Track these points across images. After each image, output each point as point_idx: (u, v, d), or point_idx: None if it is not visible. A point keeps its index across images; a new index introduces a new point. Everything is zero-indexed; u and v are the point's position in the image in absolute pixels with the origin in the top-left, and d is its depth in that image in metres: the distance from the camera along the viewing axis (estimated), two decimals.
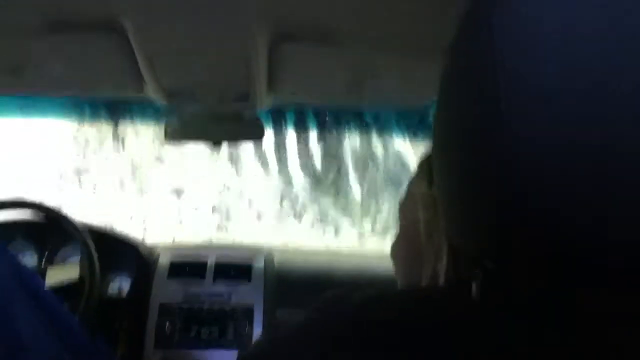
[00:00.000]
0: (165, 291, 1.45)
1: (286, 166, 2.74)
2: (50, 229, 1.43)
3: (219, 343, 1.40)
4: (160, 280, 1.47)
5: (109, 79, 1.07)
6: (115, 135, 2.67)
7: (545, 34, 0.26)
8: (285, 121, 2.61)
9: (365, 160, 2.76)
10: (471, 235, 0.31)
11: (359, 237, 2.75)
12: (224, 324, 1.42)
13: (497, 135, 0.27)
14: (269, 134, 2.56)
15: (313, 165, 2.75)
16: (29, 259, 1.47)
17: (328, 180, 2.76)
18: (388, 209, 2.74)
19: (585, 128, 0.25)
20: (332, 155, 2.75)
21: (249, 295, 1.46)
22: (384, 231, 2.73)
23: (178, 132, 1.27)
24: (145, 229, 2.57)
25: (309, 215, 2.76)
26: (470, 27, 0.30)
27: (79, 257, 1.41)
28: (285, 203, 2.75)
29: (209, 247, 1.65)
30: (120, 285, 1.49)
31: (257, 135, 1.28)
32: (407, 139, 2.63)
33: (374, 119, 2.51)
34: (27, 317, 0.69)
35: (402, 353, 0.33)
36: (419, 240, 0.67)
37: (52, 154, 2.64)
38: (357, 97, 1.16)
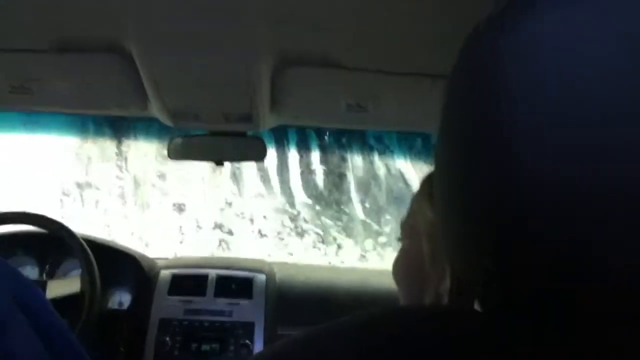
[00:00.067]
0: (166, 306, 1.45)
1: (288, 185, 2.74)
2: (52, 242, 1.43)
3: (219, 359, 1.39)
4: (160, 295, 1.47)
5: (115, 98, 1.08)
6: (119, 152, 2.68)
7: (550, 58, 0.26)
8: (288, 140, 2.62)
9: (367, 180, 2.76)
10: (471, 236, 0.31)
11: (360, 257, 2.74)
12: (224, 340, 1.41)
13: (497, 134, 0.28)
14: (271, 152, 2.58)
15: (315, 184, 2.75)
16: (31, 272, 1.47)
17: (330, 200, 2.76)
18: (390, 229, 2.73)
19: (582, 128, 0.25)
20: (335, 174, 2.75)
21: (250, 311, 1.45)
22: (386, 251, 2.71)
23: (181, 151, 1.28)
24: (146, 244, 2.56)
25: (311, 235, 2.75)
26: (474, 51, 0.30)
27: (80, 270, 1.41)
28: (287, 222, 2.75)
29: (210, 263, 1.64)
30: (121, 299, 1.49)
31: (259, 156, 1.30)
32: (409, 159, 2.64)
33: (375, 139, 2.53)
34: (22, 336, 0.68)
35: None
36: (421, 260, 0.67)
37: (55, 169, 2.65)
38: (359, 121, 1.17)
